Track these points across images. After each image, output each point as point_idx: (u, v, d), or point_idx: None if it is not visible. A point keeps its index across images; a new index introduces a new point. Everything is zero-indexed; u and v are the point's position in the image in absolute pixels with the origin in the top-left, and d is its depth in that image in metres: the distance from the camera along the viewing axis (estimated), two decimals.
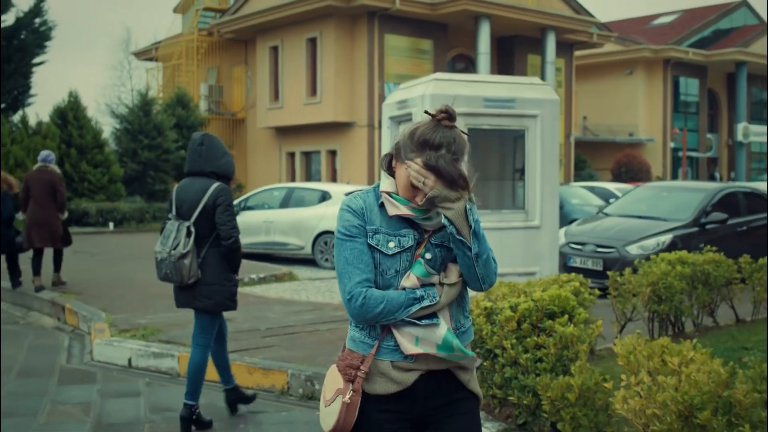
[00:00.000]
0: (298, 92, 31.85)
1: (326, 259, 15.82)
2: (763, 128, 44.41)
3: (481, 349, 5.15)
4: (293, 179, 32.39)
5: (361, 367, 2.71)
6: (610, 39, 38.37)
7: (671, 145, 42.27)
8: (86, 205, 25.03)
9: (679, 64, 42.49)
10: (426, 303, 2.67)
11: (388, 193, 2.76)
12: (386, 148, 10.21)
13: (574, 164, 37.64)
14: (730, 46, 43.22)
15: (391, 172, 2.80)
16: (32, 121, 25.64)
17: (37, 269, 11.37)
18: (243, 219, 16.24)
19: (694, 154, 43.54)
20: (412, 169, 2.65)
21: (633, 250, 11.34)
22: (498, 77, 11.61)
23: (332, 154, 31.89)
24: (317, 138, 31.97)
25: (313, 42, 31.38)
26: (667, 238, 11.43)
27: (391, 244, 2.72)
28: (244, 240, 16.26)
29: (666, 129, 42.28)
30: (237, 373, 6.58)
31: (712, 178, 43.54)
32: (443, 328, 2.68)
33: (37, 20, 25.19)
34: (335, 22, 30.36)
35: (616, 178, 36.81)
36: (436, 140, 2.65)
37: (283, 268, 14.44)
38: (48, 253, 11.87)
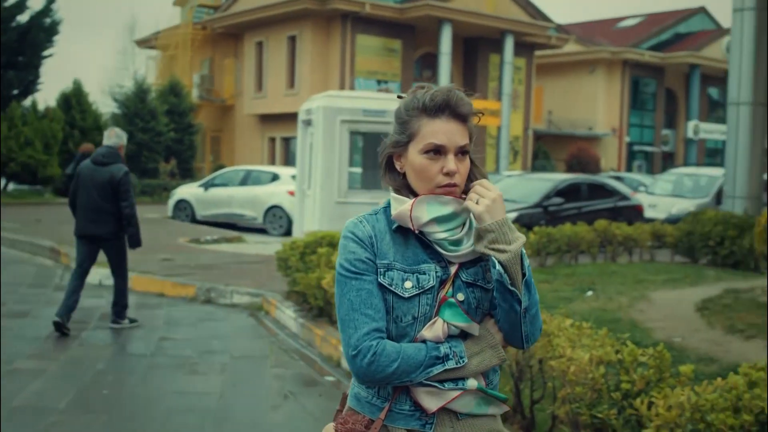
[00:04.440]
0: (279, 84, 35.73)
1: (274, 228, 19.71)
2: (713, 126, 48.05)
3: None
4: (273, 162, 36.25)
5: None
6: (568, 41, 42.09)
7: (627, 139, 46.03)
8: None
9: (638, 65, 46.13)
10: (451, 365, 2.07)
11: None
12: (301, 146, 14.11)
13: (534, 156, 41.62)
14: (688, 49, 46.87)
15: (396, 178, 2.20)
16: (41, 106, 29.58)
17: None
18: (211, 193, 20.78)
19: (648, 148, 47.37)
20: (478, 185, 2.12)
21: None
22: (374, 94, 15.51)
23: None
24: (295, 125, 35.78)
25: (293, 39, 35.24)
26: (512, 215, 15.25)
27: (408, 284, 2.10)
28: (211, 210, 20.53)
29: (623, 125, 46.02)
30: (165, 288, 10.51)
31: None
32: (471, 392, 2.12)
33: (47, 20, 29.10)
34: (312, 22, 34.17)
35: (570, 169, 40.49)
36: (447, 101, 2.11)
37: (235, 233, 18.30)
38: None
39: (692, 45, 47.17)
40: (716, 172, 21.59)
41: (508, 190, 16.64)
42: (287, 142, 36.91)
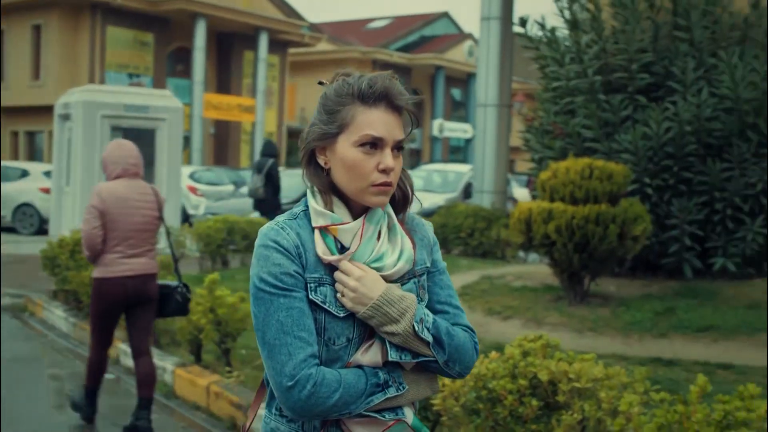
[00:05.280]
0: (22, 75, 33.87)
1: (25, 227, 18.82)
2: (456, 125, 50.92)
3: None
4: (17, 157, 34.34)
5: None
6: (321, 39, 43.07)
7: None
8: None
9: (387, 65, 47.87)
10: (392, 392, 1.85)
11: (324, 228, 1.88)
12: (58, 142, 13.65)
13: (288, 152, 42.23)
14: (433, 51, 49.35)
15: (320, 175, 1.91)
16: None
17: None
18: None
19: None
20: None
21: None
22: (137, 89, 15.37)
23: None
24: (41, 119, 34.15)
25: (37, 29, 33.53)
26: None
27: None
28: None
29: None
30: None
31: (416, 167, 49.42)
32: (410, 419, 1.90)
33: None
34: (59, 11, 32.69)
35: None
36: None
37: None
38: None
39: (437, 48, 49.75)
40: (463, 168, 23.10)
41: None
42: (32, 136, 35.11)
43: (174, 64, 36.91)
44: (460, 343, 1.92)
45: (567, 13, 10.39)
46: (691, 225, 9.41)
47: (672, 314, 8.02)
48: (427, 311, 1.90)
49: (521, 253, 13.88)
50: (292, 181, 17.35)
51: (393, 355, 1.85)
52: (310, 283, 1.84)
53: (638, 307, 8.25)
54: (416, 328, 1.84)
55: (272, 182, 13.47)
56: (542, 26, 10.69)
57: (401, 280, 1.92)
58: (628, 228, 8.19)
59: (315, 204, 1.90)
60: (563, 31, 10.56)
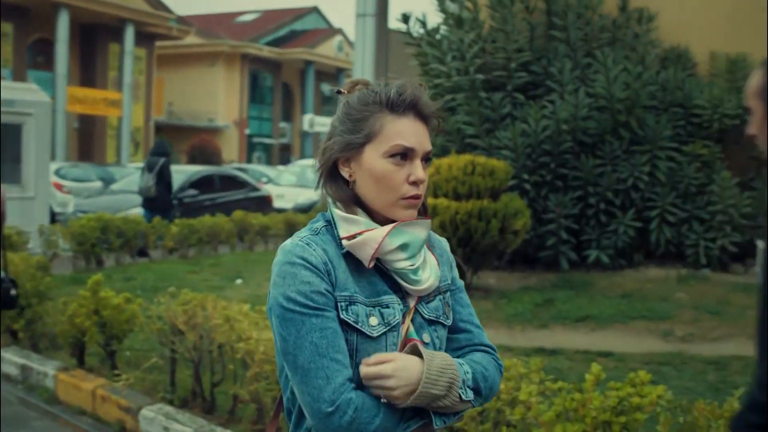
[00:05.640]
0: None
1: None
2: (326, 119, 50.91)
3: None
4: None
5: None
6: (190, 33, 42.28)
7: (247, 131, 47.30)
8: None
9: (257, 59, 47.57)
10: (428, 417, 1.75)
11: (353, 236, 1.76)
12: None
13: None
14: (302, 46, 49.23)
15: (343, 188, 1.82)
16: None
17: None
18: None
19: (267, 140, 49.11)
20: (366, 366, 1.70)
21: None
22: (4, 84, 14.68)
23: None
24: None
25: None
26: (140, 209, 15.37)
27: (373, 320, 1.75)
28: None
29: (243, 117, 47.23)
30: None
31: (287, 162, 49.19)
32: None
33: None
34: None
35: (192, 160, 40.72)
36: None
37: None
38: None
39: (307, 42, 49.65)
40: None
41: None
42: None
43: (35, 55, 35.52)
44: (494, 382, 1.85)
45: (452, 7, 10.56)
46: (566, 219, 9.75)
47: (551, 305, 8.29)
48: (465, 368, 1.79)
49: None
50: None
51: (438, 423, 1.75)
52: (340, 301, 1.72)
53: (519, 299, 8.50)
54: (462, 396, 1.73)
55: (164, 181, 13.25)
56: (424, 24, 10.83)
57: (430, 297, 1.85)
58: (509, 222, 8.41)
59: (342, 212, 1.79)
60: (443, 29, 10.73)
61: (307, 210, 17.01)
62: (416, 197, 1.77)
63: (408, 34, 10.97)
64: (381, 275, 1.79)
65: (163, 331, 5.51)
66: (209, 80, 46.77)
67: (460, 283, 1.98)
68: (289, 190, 21.51)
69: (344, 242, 1.76)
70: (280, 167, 32.86)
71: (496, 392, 1.88)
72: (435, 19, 10.84)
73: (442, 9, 10.64)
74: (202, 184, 16.53)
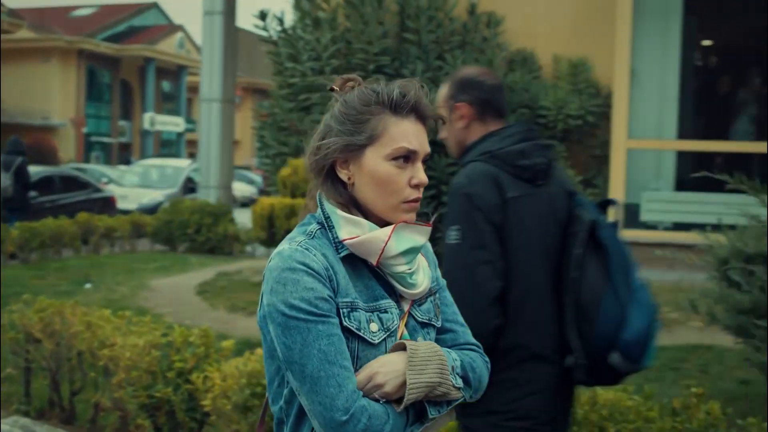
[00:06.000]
0: None
1: None
2: (167, 118, 49.87)
3: None
4: None
5: None
6: (22, 26, 40.32)
7: (84, 129, 45.61)
8: None
9: (94, 56, 45.92)
10: (427, 422, 1.76)
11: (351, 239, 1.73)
12: None
13: None
14: (143, 42, 47.88)
15: (341, 191, 1.78)
16: None
17: None
18: None
19: (105, 139, 47.54)
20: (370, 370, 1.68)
21: None
22: None
23: None
24: None
25: None
26: None
27: (373, 326, 1.72)
28: None
29: (80, 115, 45.49)
30: None
31: (127, 162, 47.77)
32: None
33: None
34: None
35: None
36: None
37: None
38: None
39: (147, 39, 48.32)
40: (182, 162, 22.72)
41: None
42: None
43: None
44: (482, 375, 1.84)
45: (307, 6, 10.55)
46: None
47: None
48: (454, 356, 1.79)
49: (249, 248, 13.93)
50: None
51: (433, 413, 1.73)
52: (342, 308, 1.68)
53: None
54: (453, 382, 1.73)
55: (21, 180, 12.66)
56: (281, 21, 10.79)
57: (422, 300, 1.83)
58: None
59: (344, 213, 1.75)
60: (299, 28, 10.71)
61: (152, 211, 16.57)
62: (417, 200, 1.76)
63: (264, 29, 10.89)
64: (377, 279, 1.77)
65: (16, 340, 5.27)
66: (43, 76, 44.79)
67: (443, 282, 1.97)
68: (132, 190, 20.90)
69: (347, 242, 1.72)
70: (122, 167, 31.94)
71: (485, 387, 1.86)
72: (293, 17, 10.74)
73: (298, 7, 10.62)
74: (41, 185, 15.81)
